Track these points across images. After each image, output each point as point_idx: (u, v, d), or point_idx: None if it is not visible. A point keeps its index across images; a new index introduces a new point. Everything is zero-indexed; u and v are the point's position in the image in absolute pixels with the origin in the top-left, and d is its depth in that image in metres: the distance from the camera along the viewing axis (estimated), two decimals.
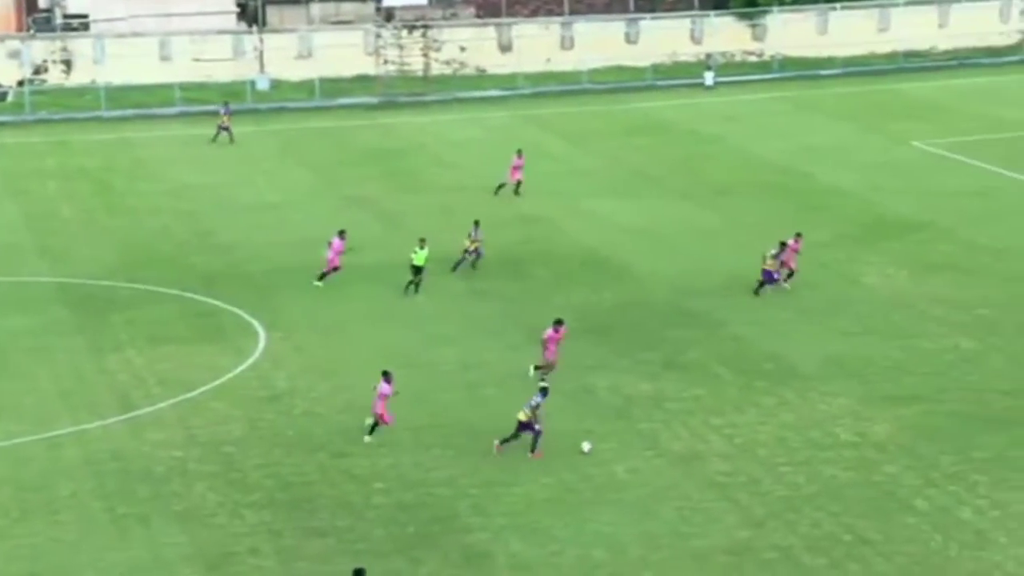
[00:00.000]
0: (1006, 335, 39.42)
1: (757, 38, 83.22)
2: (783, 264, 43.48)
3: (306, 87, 75.93)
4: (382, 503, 30.83)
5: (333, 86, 76.08)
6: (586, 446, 33.00)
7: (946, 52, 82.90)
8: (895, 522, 29.52)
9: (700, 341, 39.83)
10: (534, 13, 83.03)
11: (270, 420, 35.22)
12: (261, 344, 40.18)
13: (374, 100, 75.06)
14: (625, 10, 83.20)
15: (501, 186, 55.24)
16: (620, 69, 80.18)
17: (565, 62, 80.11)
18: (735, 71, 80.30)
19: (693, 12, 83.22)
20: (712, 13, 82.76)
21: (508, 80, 78.03)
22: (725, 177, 58.16)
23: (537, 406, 32.73)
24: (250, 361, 38.95)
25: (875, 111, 69.91)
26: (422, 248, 43.73)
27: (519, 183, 54.94)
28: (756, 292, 43.17)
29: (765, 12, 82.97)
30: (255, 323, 41.78)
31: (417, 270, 43.68)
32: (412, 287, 43.73)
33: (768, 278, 43.11)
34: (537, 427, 32.73)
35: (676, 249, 48.59)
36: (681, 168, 59.79)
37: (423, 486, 31.56)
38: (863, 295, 43.34)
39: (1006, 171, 57.08)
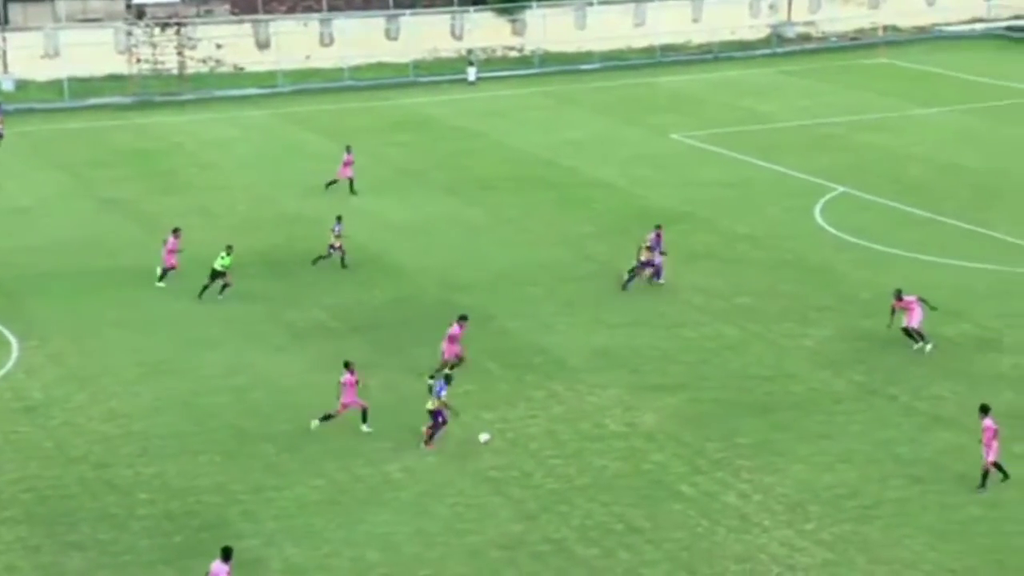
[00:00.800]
0: (765, 322, 40.60)
1: (517, 33, 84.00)
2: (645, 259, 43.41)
3: (54, 87, 73.77)
4: (147, 514, 30.12)
5: (83, 86, 74.06)
6: (483, 437, 33.15)
7: (700, 46, 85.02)
8: (663, 509, 30.13)
9: (470, 336, 39.95)
10: (292, 10, 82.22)
11: (25, 432, 34.08)
12: (14, 354, 38.87)
13: (128, 100, 73.30)
14: (385, 6, 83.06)
15: (332, 182, 54.52)
16: (381, 65, 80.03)
17: (325, 59, 79.58)
18: (496, 66, 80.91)
19: (453, 8, 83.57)
20: (472, 9, 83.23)
21: (267, 78, 77.12)
22: (489, 172, 58.56)
23: (440, 394, 32.78)
24: (1, 372, 37.64)
25: (634, 105, 71.26)
26: (228, 254, 42.87)
27: (351, 180, 54.38)
28: (624, 287, 43.19)
29: (524, 7, 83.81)
30: (6, 332, 40.40)
31: (216, 274, 42.77)
32: (205, 290, 42.79)
33: (647, 266, 43.10)
34: (442, 418, 32.74)
35: (443, 245, 48.71)
36: (446, 164, 59.98)
37: (191, 494, 30.96)
38: (637, 285, 44.02)
39: (760, 161, 58.82)
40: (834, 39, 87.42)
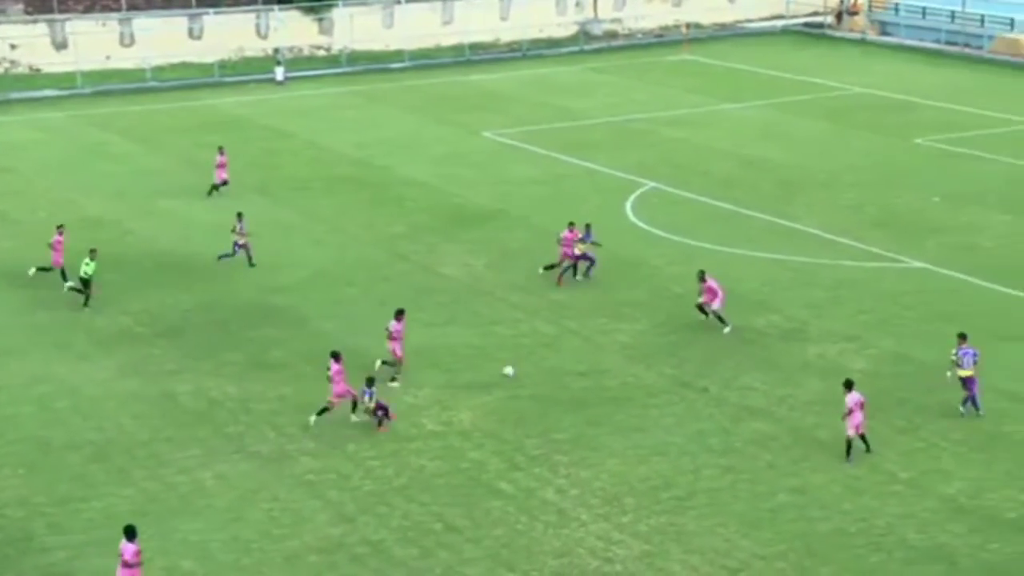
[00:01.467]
0: (579, 318, 41.06)
1: (324, 32, 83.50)
2: (564, 255, 43.54)
3: None
4: None
5: None
6: (508, 370, 35.96)
7: (509, 44, 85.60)
8: (482, 507, 30.29)
9: (284, 339, 39.69)
10: (89, 9, 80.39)
11: None
12: None
13: None
14: (187, 5, 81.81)
15: (221, 185, 53.68)
16: (186, 65, 78.84)
17: (127, 59, 78.10)
18: (305, 66, 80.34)
19: (258, 7, 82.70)
20: (277, 8, 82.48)
21: (66, 79, 75.36)
22: (301, 172, 58.14)
23: (371, 396, 33.15)
24: None
25: (446, 103, 71.43)
26: (92, 259, 41.95)
27: (224, 182, 53.47)
28: (558, 281, 43.49)
29: (330, 6, 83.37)
30: None
31: (85, 282, 41.84)
32: (88, 300, 41.96)
33: (582, 258, 43.41)
34: (382, 408, 33.59)
35: (256, 246, 48.19)
36: (256, 164, 59.35)
37: None
38: (443, 285, 44.22)
39: (572, 158, 59.45)
40: (640, 36, 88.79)
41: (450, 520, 29.88)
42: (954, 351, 34.22)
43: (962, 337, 34.22)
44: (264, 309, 41.99)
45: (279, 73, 77.35)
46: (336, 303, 42.70)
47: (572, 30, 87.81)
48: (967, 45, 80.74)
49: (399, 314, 37.16)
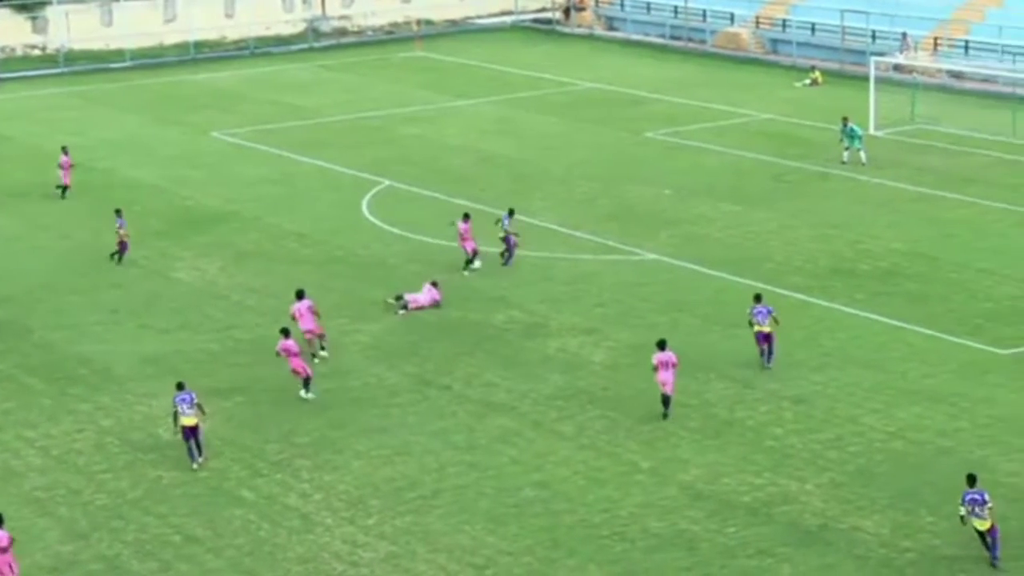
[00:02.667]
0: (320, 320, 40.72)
1: (38, 31, 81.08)
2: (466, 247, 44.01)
3: None
4: None
5: None
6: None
7: (236, 42, 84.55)
8: (223, 516, 29.89)
9: (6, 351, 38.43)
10: None
11: None
12: None
13: None
14: None
15: (63, 188, 52.24)
16: None
17: None
18: (18, 67, 77.89)
19: None
20: None
21: None
22: (19, 178, 56.34)
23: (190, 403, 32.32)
24: None
25: (172, 103, 70.16)
26: None
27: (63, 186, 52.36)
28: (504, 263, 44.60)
29: (44, 4, 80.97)
30: None
31: None
32: None
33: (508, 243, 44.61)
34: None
35: None
36: None
37: None
38: (176, 290, 43.45)
39: (305, 157, 59.08)
40: (370, 33, 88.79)
41: (190, 531, 29.39)
42: (749, 310, 36.94)
43: (757, 298, 37.30)
44: None
45: None
46: (62, 313, 41.53)
47: (301, 27, 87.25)
48: (691, 39, 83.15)
49: (300, 294, 37.76)
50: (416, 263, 45.52)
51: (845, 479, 30.99)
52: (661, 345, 34.31)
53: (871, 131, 59.70)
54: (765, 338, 36.78)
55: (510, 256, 44.94)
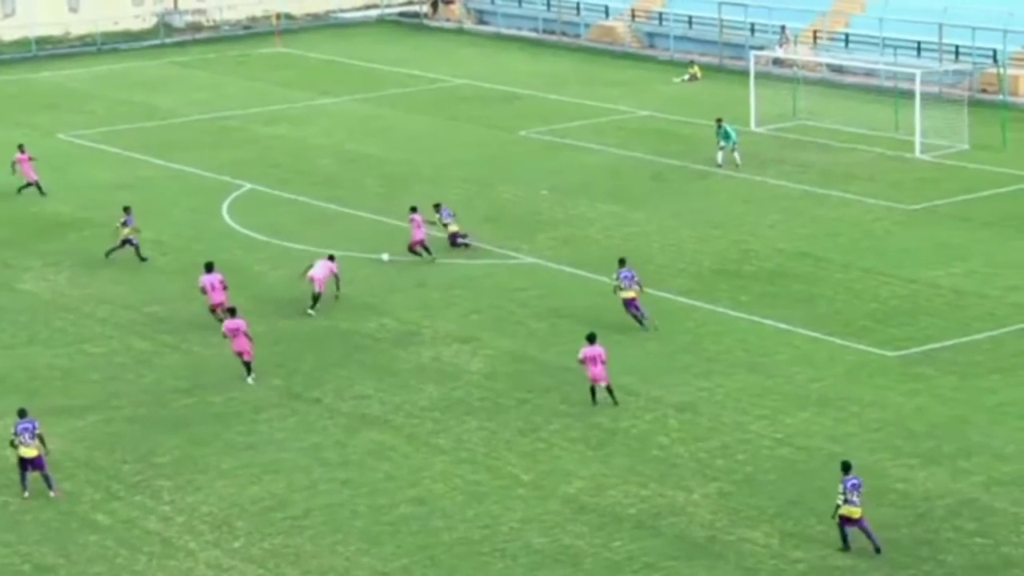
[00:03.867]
0: (179, 332, 40.33)
1: None
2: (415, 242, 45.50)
3: None
4: None
5: None
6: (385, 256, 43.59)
7: (81, 37, 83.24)
8: (77, 542, 29.41)
9: None
10: None
11: None
12: None
13: None
14: None
15: (26, 186, 51.89)
16: None
17: None
18: None
19: None
20: None
21: None
22: None
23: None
24: None
25: (12, 103, 68.98)
26: None
27: (32, 183, 52.33)
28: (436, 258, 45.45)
29: None
30: None
31: None
32: None
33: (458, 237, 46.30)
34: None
35: None
36: None
37: None
38: (22, 302, 42.73)
39: (159, 160, 58.32)
40: (227, 28, 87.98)
41: (40, 559, 28.86)
42: (614, 275, 39.67)
43: (621, 262, 40.20)
44: None
45: None
46: None
47: (151, 22, 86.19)
48: (564, 34, 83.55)
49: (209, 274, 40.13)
50: (281, 269, 45.16)
51: (733, 488, 31.29)
52: (591, 339, 35.13)
53: (752, 127, 60.43)
54: (633, 304, 39.27)
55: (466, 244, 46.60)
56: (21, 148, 53.86)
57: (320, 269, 41.21)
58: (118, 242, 45.82)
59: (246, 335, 36.69)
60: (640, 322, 39.41)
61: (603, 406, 35.30)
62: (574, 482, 31.88)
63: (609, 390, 35.25)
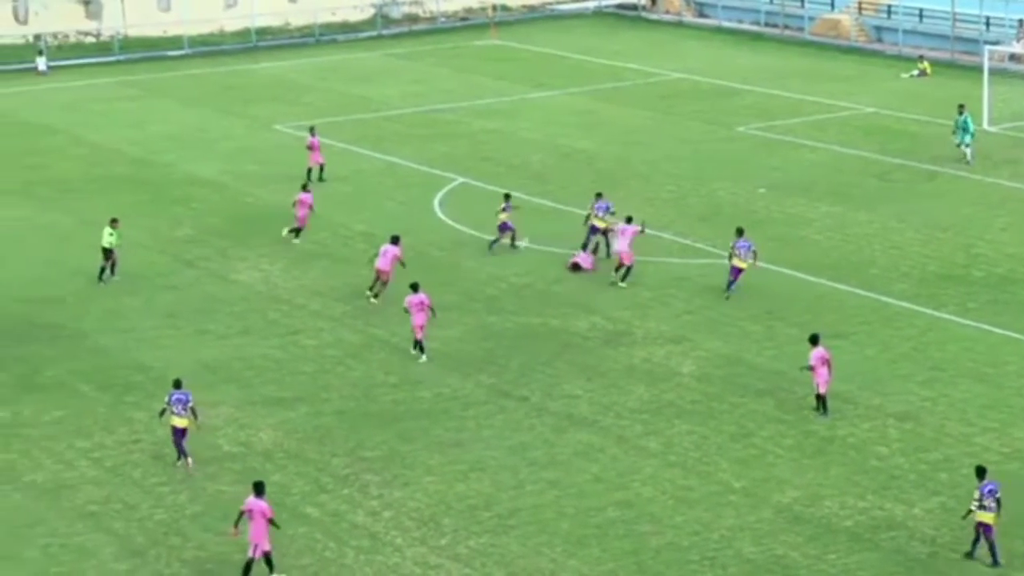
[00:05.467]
0: (388, 325, 40.96)
1: (92, 16, 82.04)
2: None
3: None
4: None
5: None
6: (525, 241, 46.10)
7: (301, 29, 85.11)
8: (287, 534, 30.07)
9: (59, 357, 38.93)
10: None
11: None
12: None
13: None
14: None
15: (312, 170, 54.18)
16: None
17: None
18: (71, 54, 78.85)
19: None
20: None
21: None
22: (71, 172, 57.04)
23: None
24: None
25: (232, 94, 70.76)
26: (114, 229, 43.66)
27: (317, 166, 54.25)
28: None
29: None
30: None
31: (106, 252, 44.11)
32: (103, 272, 43.69)
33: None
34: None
35: (21, 255, 47.18)
36: (18, 164, 58.07)
37: None
38: (237, 293, 43.81)
39: (373, 152, 59.38)
40: (443, 20, 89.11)
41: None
42: (732, 243, 42.17)
43: (739, 232, 42.69)
44: (34, 325, 41.11)
45: (41, 63, 75.71)
46: (116, 316, 42.00)
47: (369, 13, 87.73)
48: (787, 27, 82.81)
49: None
50: (491, 266, 45.63)
51: (957, 504, 30.71)
52: (814, 340, 35.07)
53: (985, 126, 59.13)
54: (738, 272, 42.02)
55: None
56: (312, 131, 55.15)
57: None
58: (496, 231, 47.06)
59: (430, 308, 38.51)
60: (730, 287, 42.02)
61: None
62: (788, 491, 31.65)
63: (822, 398, 34.82)
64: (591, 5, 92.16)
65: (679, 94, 68.87)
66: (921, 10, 77.60)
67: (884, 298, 41.93)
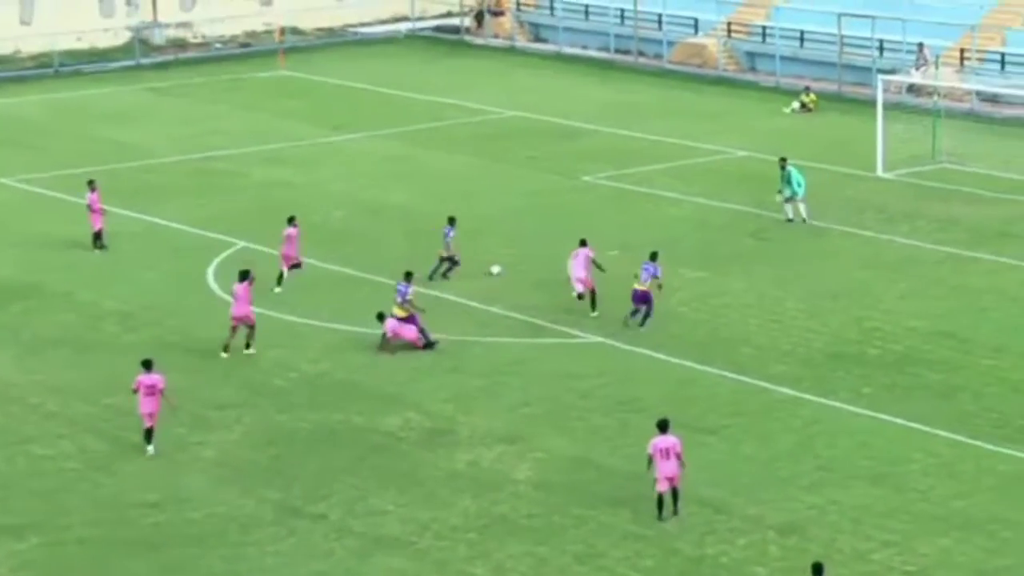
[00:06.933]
0: (136, 428, 40.42)
1: None
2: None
3: None
4: None
5: None
6: (495, 269, 50.36)
7: (36, 56, 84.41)
8: None
9: None
10: None
11: None
12: None
13: None
14: None
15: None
16: None
17: None
18: None
19: None
20: None
21: None
22: None
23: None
24: None
25: None
26: None
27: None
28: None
29: None
30: None
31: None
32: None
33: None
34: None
35: None
36: None
37: None
38: None
39: (129, 211, 58.65)
40: (219, 45, 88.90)
41: None
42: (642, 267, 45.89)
43: (652, 256, 46.59)
44: None
45: None
46: None
47: (124, 38, 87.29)
48: (641, 54, 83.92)
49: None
50: (278, 349, 45.34)
51: None
52: (662, 427, 35.24)
53: (878, 172, 60.32)
54: (641, 298, 45.75)
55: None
56: (91, 185, 54.89)
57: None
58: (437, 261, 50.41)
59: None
60: (635, 317, 45.92)
61: (686, 525, 35.12)
62: None
63: (674, 495, 35.07)
64: (403, 28, 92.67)
65: (511, 135, 69.41)
66: (802, 32, 79.08)
67: (762, 383, 42.36)
